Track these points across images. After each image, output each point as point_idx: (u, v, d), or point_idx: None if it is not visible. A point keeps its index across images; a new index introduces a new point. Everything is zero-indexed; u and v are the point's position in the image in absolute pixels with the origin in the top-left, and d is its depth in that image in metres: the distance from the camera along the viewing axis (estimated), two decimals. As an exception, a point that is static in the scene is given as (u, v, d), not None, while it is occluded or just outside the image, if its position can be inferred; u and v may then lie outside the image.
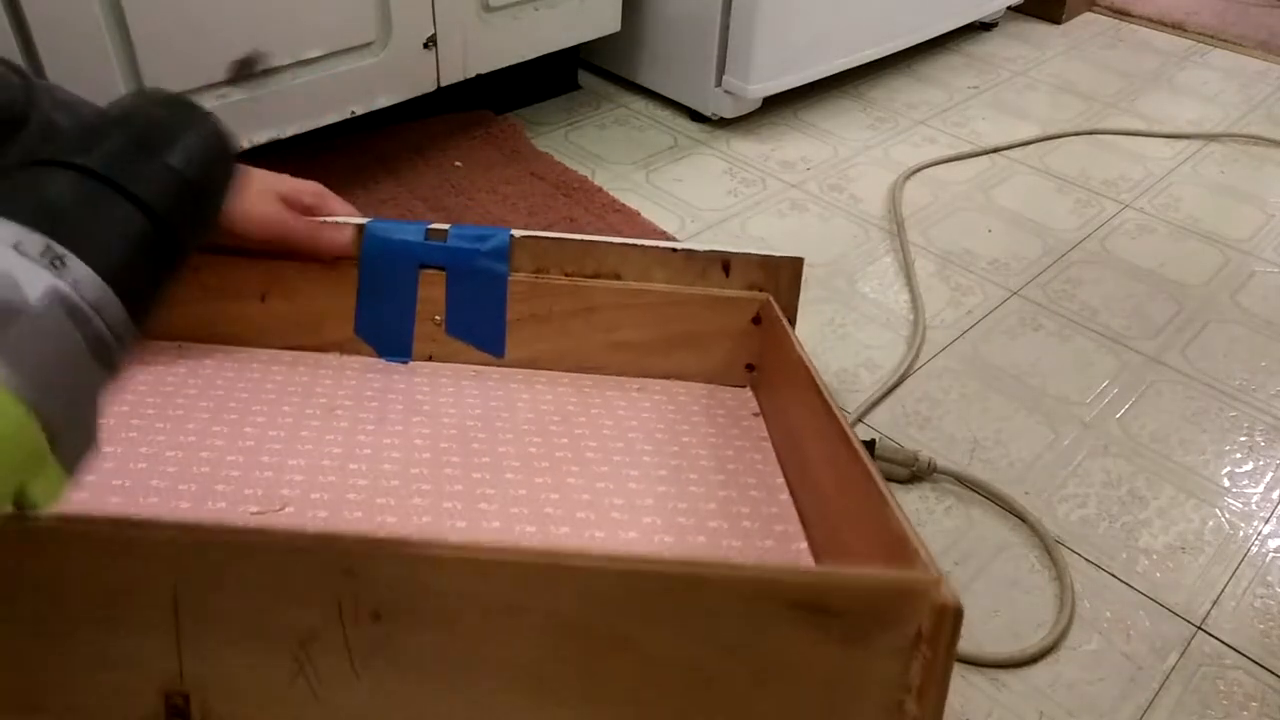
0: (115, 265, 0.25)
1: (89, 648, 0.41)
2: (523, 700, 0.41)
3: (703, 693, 0.41)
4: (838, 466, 0.54)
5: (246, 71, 0.40)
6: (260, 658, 0.41)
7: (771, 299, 0.71)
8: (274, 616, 0.40)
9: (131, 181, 0.27)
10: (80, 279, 0.24)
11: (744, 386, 0.74)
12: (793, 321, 0.71)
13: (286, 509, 0.54)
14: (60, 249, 0.24)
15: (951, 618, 0.38)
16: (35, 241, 0.24)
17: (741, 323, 0.72)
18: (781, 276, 0.72)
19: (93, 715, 0.42)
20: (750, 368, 0.73)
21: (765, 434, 0.68)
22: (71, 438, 0.24)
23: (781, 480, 0.63)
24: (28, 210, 0.24)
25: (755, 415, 0.70)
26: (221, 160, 0.31)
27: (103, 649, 0.41)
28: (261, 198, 0.64)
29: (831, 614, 0.40)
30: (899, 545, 0.43)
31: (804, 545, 0.57)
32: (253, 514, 0.54)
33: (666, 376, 0.73)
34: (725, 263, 0.72)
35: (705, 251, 0.72)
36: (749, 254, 0.72)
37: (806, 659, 0.40)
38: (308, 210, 0.67)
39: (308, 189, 0.68)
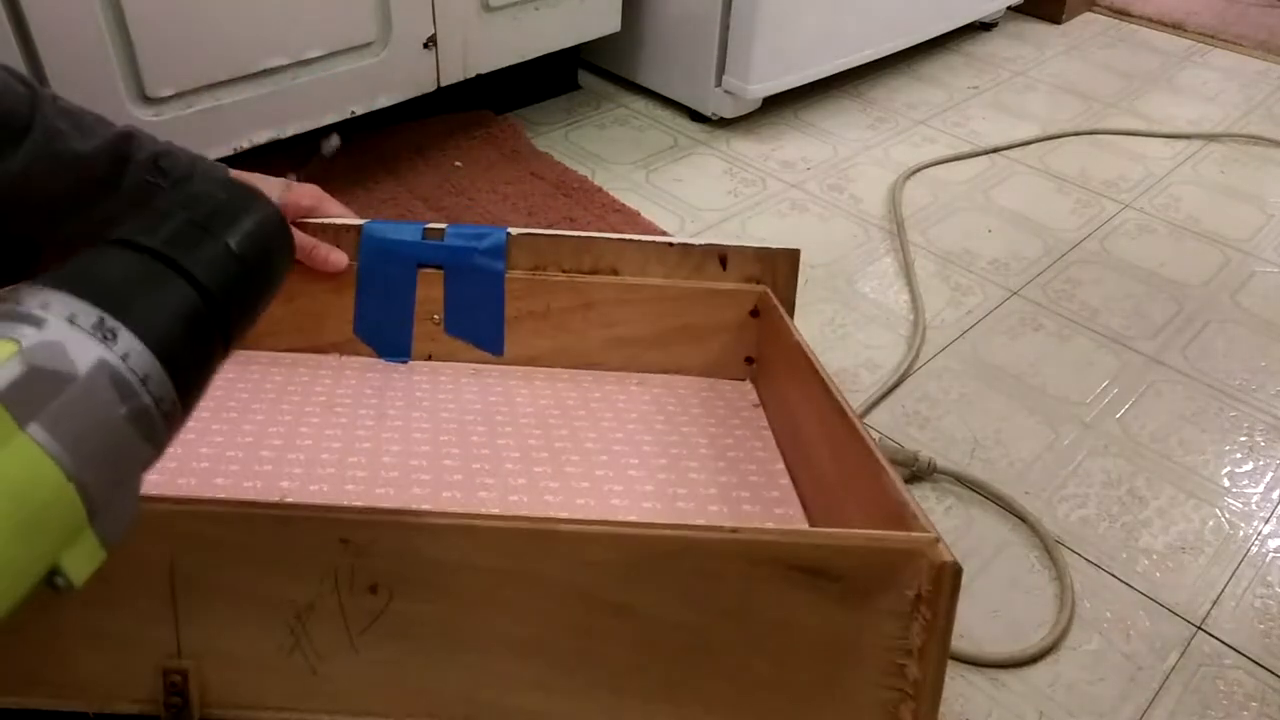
0: (165, 340, 0.26)
1: (87, 623, 0.41)
2: (521, 667, 0.41)
3: (701, 656, 0.41)
4: (835, 442, 0.54)
5: (319, 158, 0.41)
6: (257, 630, 0.40)
7: (769, 291, 0.71)
8: (270, 589, 0.40)
9: (190, 261, 0.28)
10: (130, 352, 0.25)
11: (743, 379, 0.74)
12: (790, 313, 0.71)
13: (286, 500, 0.55)
14: (113, 323, 0.25)
15: (950, 577, 0.38)
16: (89, 315, 0.24)
17: (740, 315, 0.72)
18: (778, 269, 0.72)
19: (92, 692, 0.42)
20: (749, 360, 0.73)
21: (765, 423, 0.68)
22: (110, 510, 0.24)
23: (782, 466, 0.63)
24: (86, 285, 0.25)
25: (755, 406, 0.70)
26: (278, 244, 0.32)
27: (101, 624, 0.41)
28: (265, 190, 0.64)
29: (829, 576, 0.39)
30: (896, 510, 0.43)
31: (805, 526, 0.57)
32: None
33: (666, 371, 0.73)
34: (722, 256, 0.72)
35: (702, 245, 0.72)
36: (745, 247, 0.72)
37: (805, 621, 0.40)
38: (306, 213, 0.67)
39: (306, 192, 0.68)
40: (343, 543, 0.39)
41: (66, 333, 0.24)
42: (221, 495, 0.54)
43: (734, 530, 0.39)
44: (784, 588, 0.40)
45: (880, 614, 0.40)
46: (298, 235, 0.66)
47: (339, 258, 0.68)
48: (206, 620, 0.41)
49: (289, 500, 0.54)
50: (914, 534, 0.40)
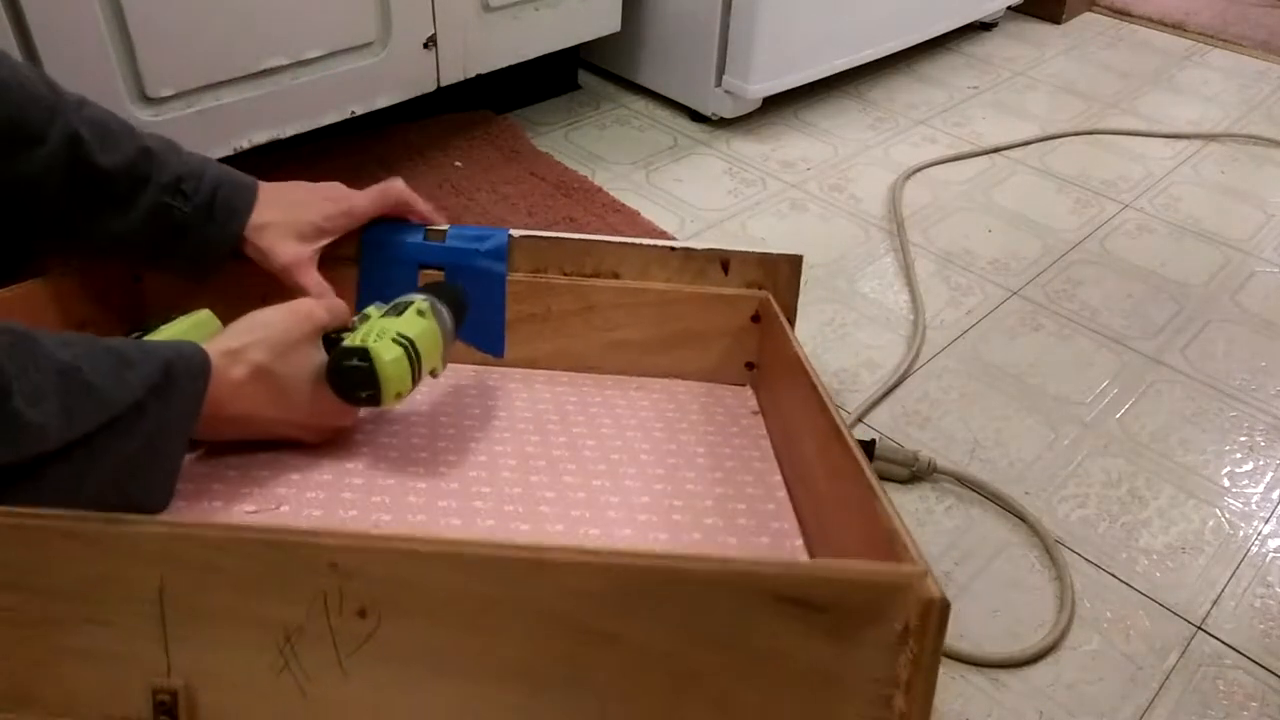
0: (453, 304, 0.63)
1: (77, 642, 0.41)
2: (509, 694, 0.41)
3: (689, 686, 0.41)
4: (831, 462, 0.54)
5: None
6: (246, 652, 0.41)
7: (770, 297, 0.71)
8: (259, 611, 0.40)
9: (452, 296, 0.64)
10: (445, 312, 0.62)
11: (744, 385, 0.74)
12: (792, 319, 0.71)
13: (282, 508, 0.54)
14: (441, 306, 0.62)
15: (938, 611, 0.38)
16: (435, 302, 0.62)
17: (741, 321, 0.72)
18: (780, 274, 0.72)
19: (82, 710, 0.42)
20: (750, 365, 0.73)
21: (764, 432, 0.68)
22: (446, 344, 0.62)
23: (779, 478, 0.63)
24: (436, 295, 0.63)
25: (754, 413, 0.70)
26: (463, 304, 0.66)
27: (91, 643, 0.41)
28: (288, 235, 0.64)
29: (817, 608, 0.40)
30: (888, 539, 0.43)
31: (799, 542, 0.57)
32: (248, 513, 0.54)
33: (666, 375, 0.73)
34: (724, 261, 0.72)
35: (704, 250, 0.72)
36: (747, 252, 0.72)
37: (793, 652, 0.40)
38: (404, 205, 0.69)
39: (396, 187, 0.69)
40: (331, 567, 0.39)
41: (435, 303, 0.61)
42: (218, 502, 0.54)
43: (724, 561, 0.40)
44: (773, 619, 0.40)
45: (868, 646, 0.40)
46: (315, 284, 0.65)
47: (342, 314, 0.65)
48: (196, 640, 0.41)
49: (285, 509, 0.54)
50: (903, 567, 0.40)
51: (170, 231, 0.61)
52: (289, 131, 0.92)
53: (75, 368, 0.43)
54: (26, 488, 0.42)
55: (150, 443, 0.47)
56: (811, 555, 0.56)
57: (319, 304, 0.59)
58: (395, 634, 0.40)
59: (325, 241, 0.66)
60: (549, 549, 0.40)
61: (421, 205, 0.70)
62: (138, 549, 0.40)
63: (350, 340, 0.56)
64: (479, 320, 0.71)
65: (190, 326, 0.60)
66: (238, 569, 0.40)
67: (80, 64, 0.77)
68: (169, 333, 0.58)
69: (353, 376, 0.55)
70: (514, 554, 0.40)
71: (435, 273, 0.70)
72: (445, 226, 0.71)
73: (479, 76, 1.06)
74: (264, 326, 0.55)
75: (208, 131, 0.86)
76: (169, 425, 0.48)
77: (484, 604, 0.40)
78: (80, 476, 0.44)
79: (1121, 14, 1.68)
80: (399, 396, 0.56)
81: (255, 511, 0.54)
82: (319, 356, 0.57)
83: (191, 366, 0.49)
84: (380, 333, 0.56)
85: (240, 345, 0.53)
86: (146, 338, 0.57)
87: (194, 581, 0.40)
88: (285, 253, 0.64)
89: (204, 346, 0.51)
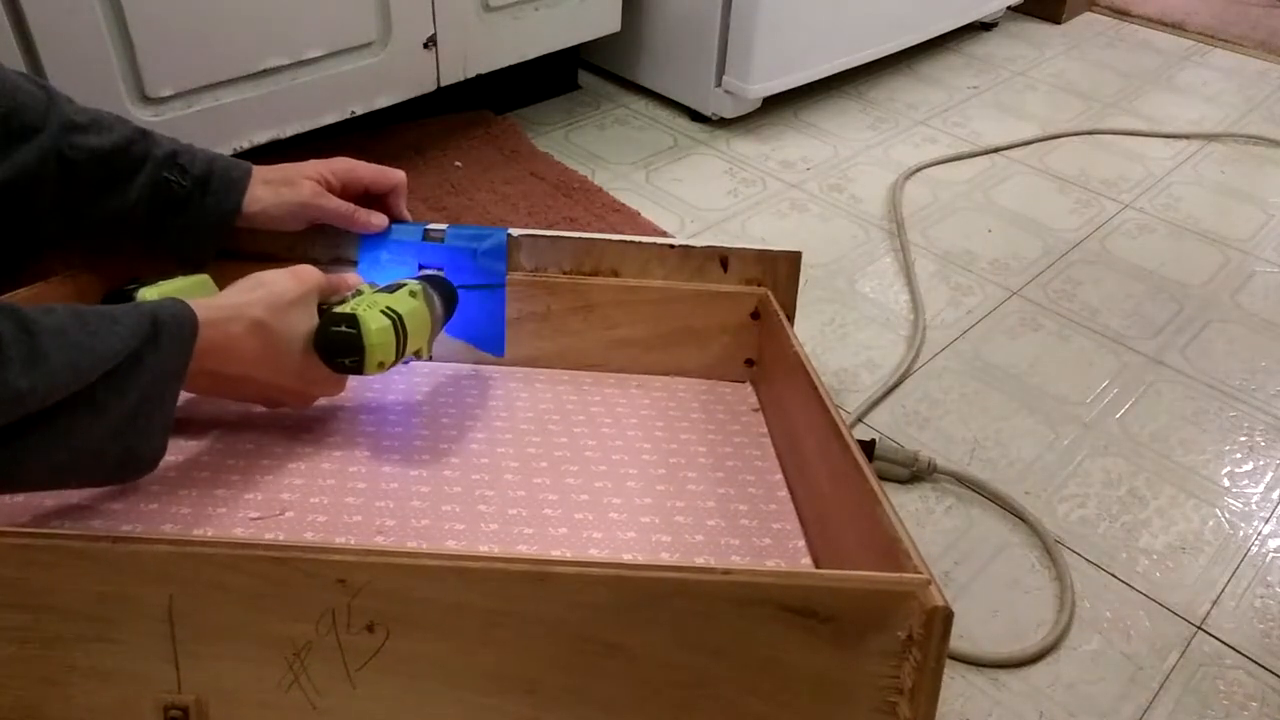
0: (445, 296, 0.66)
1: (88, 661, 0.41)
2: (517, 706, 0.42)
3: (695, 696, 0.41)
4: (832, 464, 0.54)
5: None
6: (256, 668, 0.41)
7: (770, 294, 0.71)
8: (269, 627, 0.40)
9: (444, 289, 0.67)
10: (435, 295, 0.64)
11: (744, 381, 0.74)
12: (791, 316, 0.71)
13: (286, 514, 0.54)
14: (430, 290, 0.63)
15: (941, 620, 0.38)
16: (421, 285, 0.63)
17: (740, 318, 0.72)
18: (779, 271, 0.72)
19: None
20: (750, 362, 0.73)
21: (764, 429, 0.68)
22: (434, 329, 0.64)
23: (780, 477, 0.63)
24: (427, 281, 0.65)
25: (755, 410, 0.70)
26: (454, 298, 0.69)
27: (101, 662, 0.41)
28: (283, 190, 0.65)
29: (821, 617, 0.40)
30: (890, 547, 0.43)
31: (801, 543, 0.57)
32: (252, 519, 0.54)
33: (666, 373, 0.73)
34: (723, 258, 0.72)
35: (703, 247, 0.72)
36: (746, 249, 0.72)
37: (798, 661, 0.41)
38: (345, 175, 0.69)
39: (339, 163, 0.69)
40: (339, 583, 0.40)
41: (428, 289, 0.63)
42: (222, 508, 0.54)
43: (726, 571, 0.40)
44: (776, 628, 0.40)
45: (872, 654, 0.40)
46: (337, 203, 0.67)
47: (379, 219, 0.69)
48: (206, 657, 0.41)
49: (289, 515, 0.54)
50: (906, 575, 0.40)
51: (170, 207, 0.62)
52: (289, 131, 0.92)
53: (64, 329, 0.44)
54: (32, 442, 0.43)
55: (147, 393, 0.48)
56: (814, 557, 0.56)
57: (317, 270, 0.60)
58: (404, 648, 0.41)
59: (322, 195, 0.67)
60: (554, 562, 0.40)
61: (363, 170, 0.70)
62: (146, 567, 0.40)
63: (341, 308, 0.57)
64: (479, 320, 0.71)
65: (188, 285, 0.61)
66: (246, 586, 0.40)
67: (80, 64, 0.77)
68: (167, 288, 0.59)
69: (339, 342, 0.56)
70: (520, 567, 0.40)
71: (435, 273, 0.70)
72: (444, 227, 0.71)
73: (479, 76, 1.06)
74: (264, 284, 0.56)
75: (208, 131, 0.86)
76: (163, 373, 0.49)
77: (491, 617, 0.40)
78: (82, 431, 0.45)
79: (1121, 14, 1.68)
80: (381, 366, 0.57)
81: (259, 518, 0.54)
82: (314, 321, 0.58)
83: (177, 315, 0.50)
84: (371, 304, 0.57)
85: (240, 300, 0.54)
86: (143, 290, 0.59)
87: (203, 599, 0.40)
88: (300, 192, 0.65)
89: (206, 301, 0.52)
